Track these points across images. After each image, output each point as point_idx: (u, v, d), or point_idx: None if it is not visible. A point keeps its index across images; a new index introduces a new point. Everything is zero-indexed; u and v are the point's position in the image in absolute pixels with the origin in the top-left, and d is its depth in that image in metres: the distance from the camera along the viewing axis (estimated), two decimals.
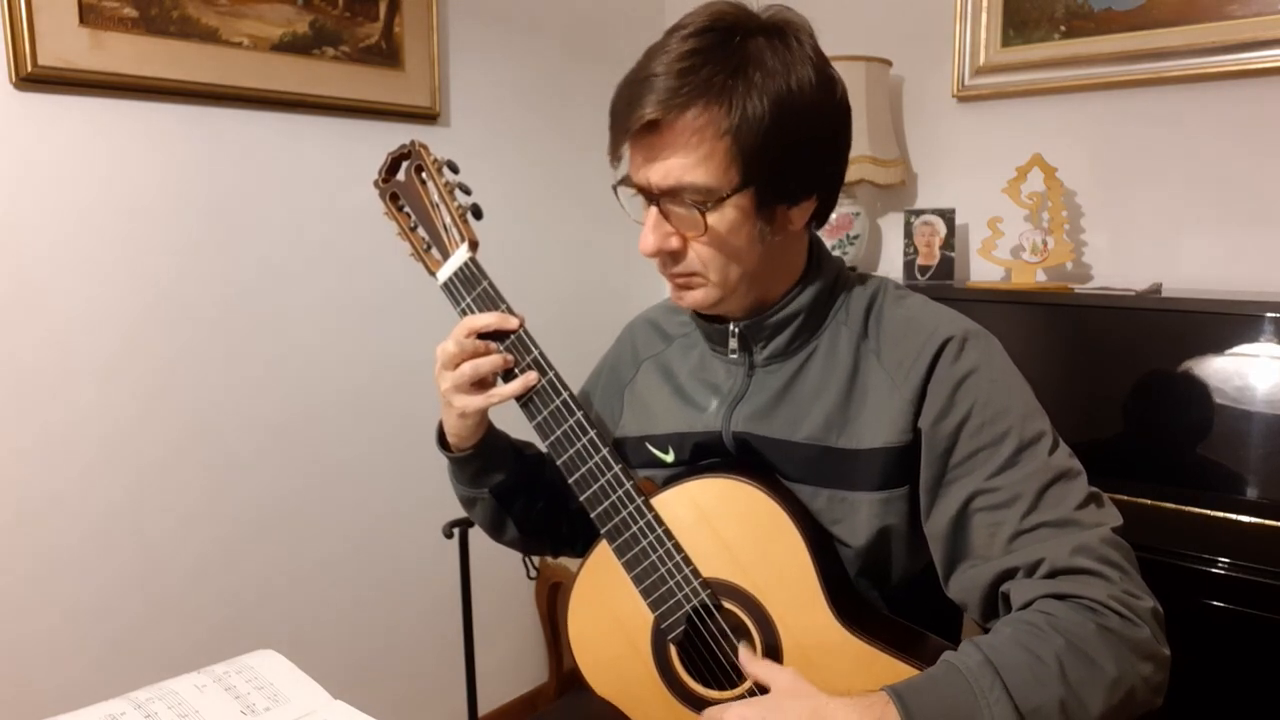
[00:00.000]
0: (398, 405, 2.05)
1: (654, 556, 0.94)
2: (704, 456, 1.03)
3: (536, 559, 2.00)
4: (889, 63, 2.14)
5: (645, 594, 0.96)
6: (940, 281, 2.03)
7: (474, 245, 0.97)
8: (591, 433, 0.94)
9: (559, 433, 0.96)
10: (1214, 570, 1.43)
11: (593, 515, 0.96)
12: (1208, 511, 1.52)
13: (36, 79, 1.47)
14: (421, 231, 1.00)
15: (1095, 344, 1.72)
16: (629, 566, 0.96)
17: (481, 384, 0.98)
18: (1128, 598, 0.81)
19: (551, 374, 0.96)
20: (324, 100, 1.84)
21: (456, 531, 1.75)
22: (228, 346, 1.76)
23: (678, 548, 0.94)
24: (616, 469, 0.94)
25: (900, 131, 2.24)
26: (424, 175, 0.99)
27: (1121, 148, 1.95)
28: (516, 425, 1.05)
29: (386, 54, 1.93)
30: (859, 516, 0.94)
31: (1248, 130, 1.81)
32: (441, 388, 0.99)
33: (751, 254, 0.92)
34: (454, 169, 0.99)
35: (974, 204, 2.11)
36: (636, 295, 2.47)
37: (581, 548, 1.02)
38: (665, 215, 0.91)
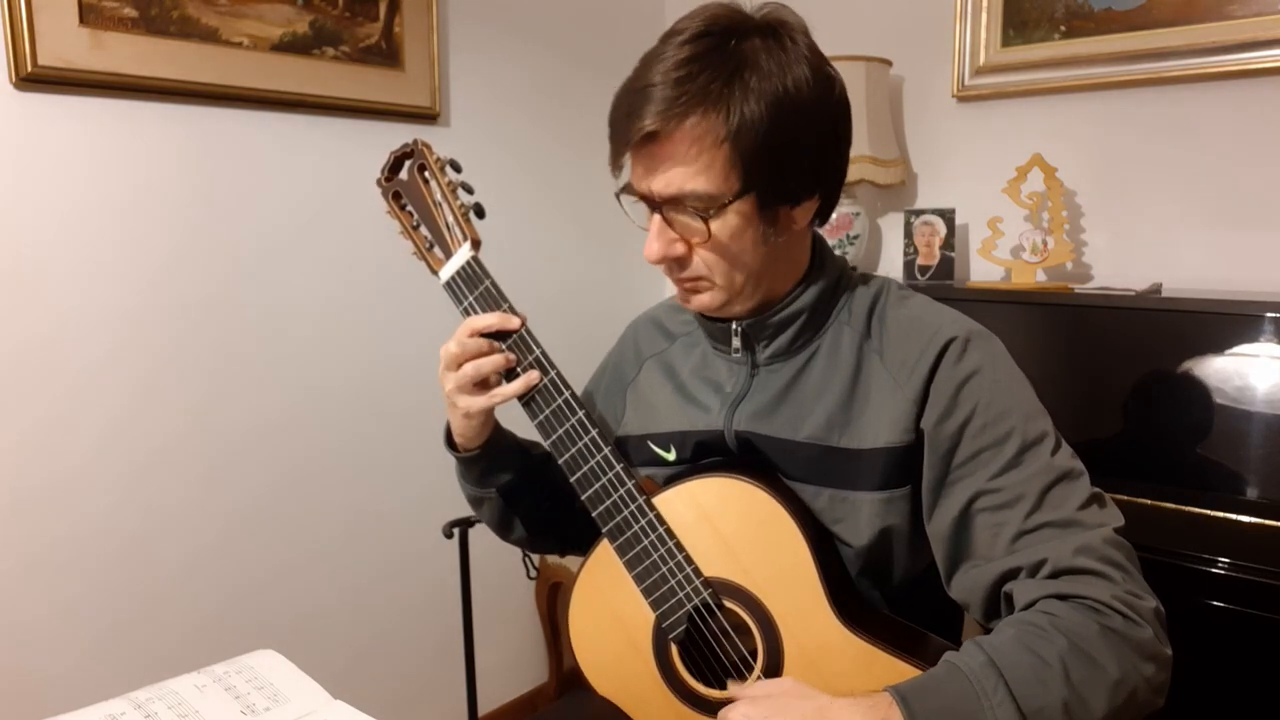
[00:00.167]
0: (398, 405, 2.05)
1: (655, 556, 0.94)
2: (706, 455, 1.03)
3: (536, 559, 2.00)
4: (889, 63, 2.14)
5: (646, 593, 0.96)
6: (940, 281, 2.03)
7: (476, 244, 0.97)
8: (593, 432, 0.94)
9: (561, 432, 0.95)
10: (1214, 570, 1.43)
11: (594, 514, 0.96)
12: (1208, 511, 1.52)
13: (36, 79, 1.47)
14: (424, 230, 1.00)
15: (1095, 344, 1.72)
16: (630, 566, 0.96)
17: (484, 384, 0.98)
18: (1130, 598, 0.81)
19: (553, 373, 0.96)
20: (324, 100, 1.84)
21: (456, 531, 1.75)
22: (227, 345, 1.76)
23: (679, 547, 0.94)
24: (618, 468, 0.94)
25: (900, 131, 2.25)
26: (427, 174, 0.99)
27: (1121, 148, 1.95)
28: (523, 425, 1.05)
29: (386, 54, 1.93)
30: (860, 516, 0.94)
31: (1248, 130, 1.81)
32: (445, 388, 0.99)
33: (756, 256, 0.93)
34: (456, 168, 0.99)
35: (974, 204, 2.11)
36: (637, 294, 2.47)
37: (587, 547, 1.02)
38: (669, 222, 0.91)
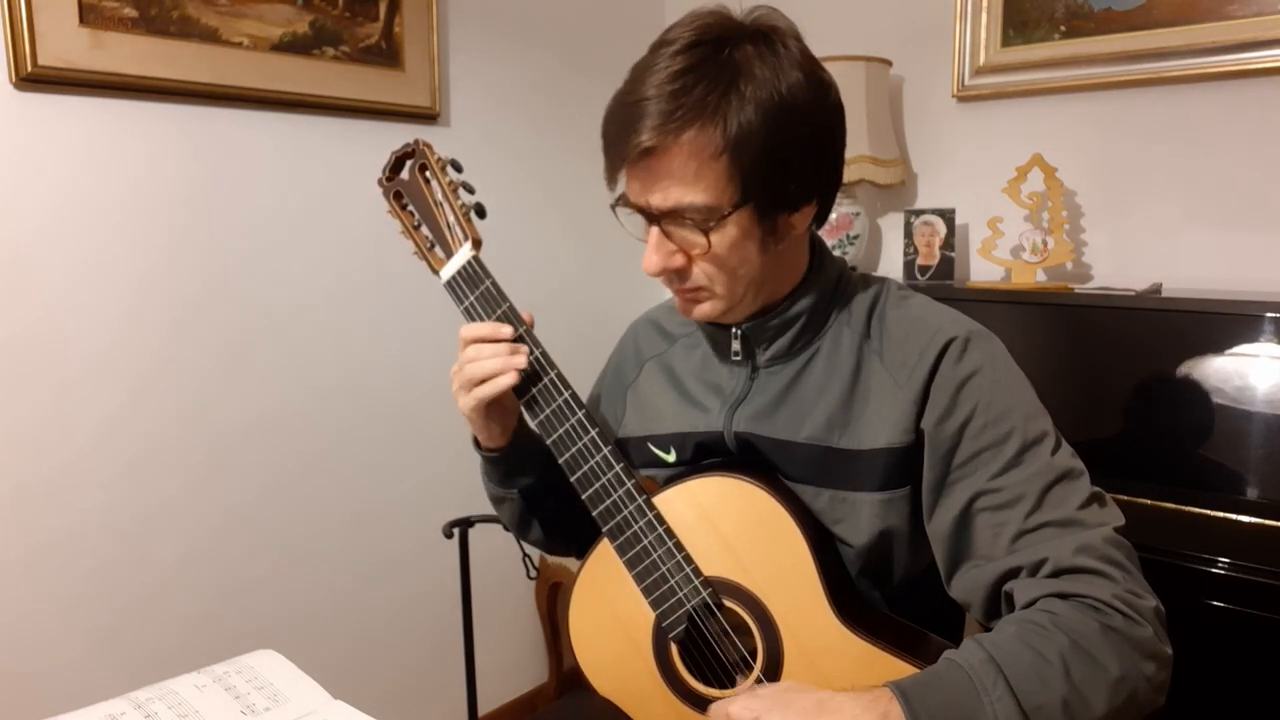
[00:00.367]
0: (398, 403, 2.05)
1: (655, 555, 0.94)
2: (706, 457, 1.04)
3: (536, 558, 2.00)
4: (889, 63, 2.14)
5: (646, 593, 0.96)
6: (940, 281, 2.03)
7: (477, 244, 0.97)
8: (593, 431, 0.94)
9: (561, 431, 0.96)
10: (1214, 570, 1.43)
11: (594, 513, 0.96)
12: (1208, 511, 1.52)
13: (36, 79, 1.47)
14: (425, 230, 1.00)
15: (1095, 344, 1.72)
16: (630, 565, 0.96)
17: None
18: (1131, 597, 0.81)
19: (554, 373, 0.96)
20: (324, 100, 1.84)
21: (456, 531, 1.75)
22: (227, 344, 1.76)
23: (679, 546, 0.94)
24: (618, 468, 0.94)
25: (900, 131, 2.25)
26: (428, 174, 0.99)
27: (1121, 148, 1.95)
28: None
29: (386, 54, 1.93)
30: (861, 517, 0.94)
31: (1248, 130, 1.81)
32: (453, 389, 0.99)
33: (756, 265, 0.92)
34: (458, 168, 0.99)
35: (974, 204, 2.11)
36: (637, 294, 2.47)
37: None
38: (667, 235, 0.91)
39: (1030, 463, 0.87)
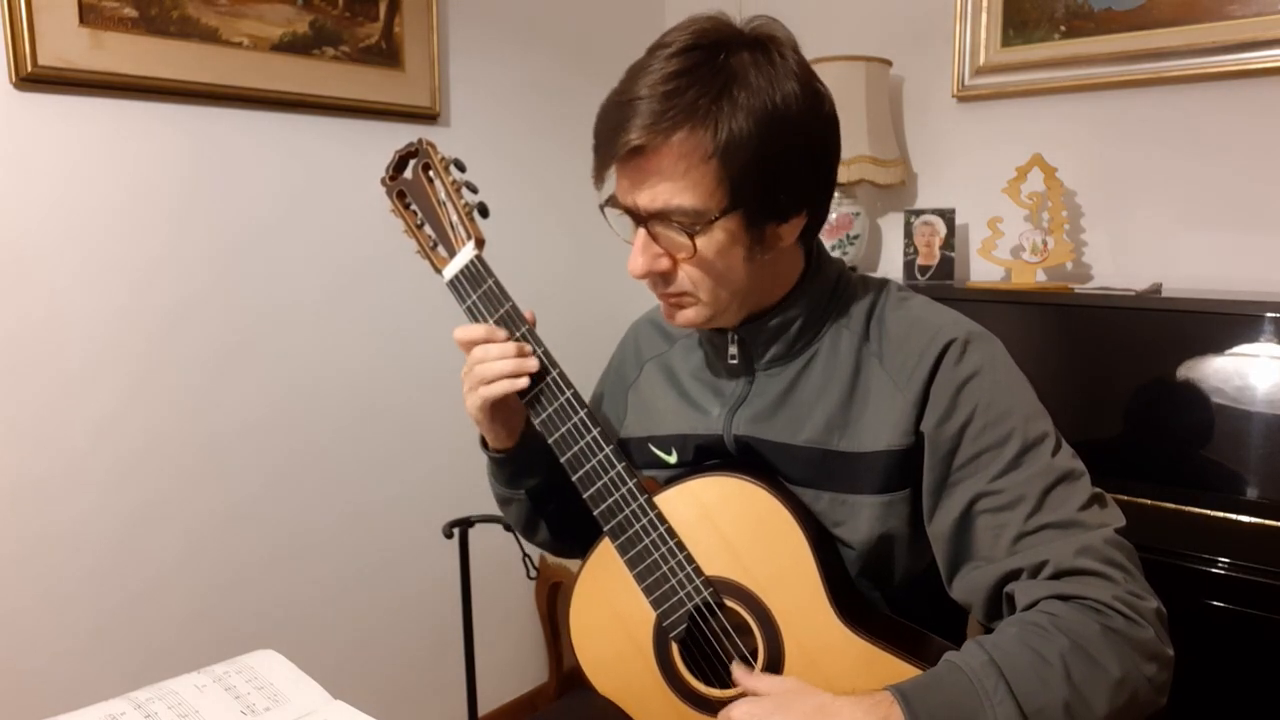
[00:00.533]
0: (398, 404, 2.05)
1: (656, 555, 0.94)
2: (706, 458, 1.04)
3: (536, 558, 2.00)
4: (889, 63, 2.14)
5: (647, 592, 0.96)
6: (940, 281, 2.03)
7: (480, 243, 0.97)
8: (594, 431, 0.94)
9: (562, 430, 0.96)
10: (1214, 570, 1.43)
11: (595, 513, 0.96)
12: (1208, 511, 1.52)
13: (36, 79, 1.47)
14: (428, 229, 1.00)
15: (1095, 344, 1.72)
16: (631, 564, 0.96)
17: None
18: (1132, 598, 0.81)
19: (555, 372, 0.96)
20: (324, 100, 1.84)
21: (456, 531, 1.75)
22: (226, 344, 1.76)
23: (680, 546, 0.94)
24: (619, 467, 0.94)
25: (900, 131, 2.25)
26: (431, 173, 0.99)
27: (1121, 148, 1.95)
28: None
29: (386, 54, 1.93)
30: (861, 519, 0.94)
31: (1248, 130, 1.81)
32: (464, 390, 0.99)
33: (742, 273, 0.92)
34: (461, 167, 0.99)
35: (974, 204, 2.12)
36: (638, 294, 2.46)
37: None
38: (654, 237, 0.90)
39: (1031, 464, 0.87)
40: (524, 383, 0.94)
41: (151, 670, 0.86)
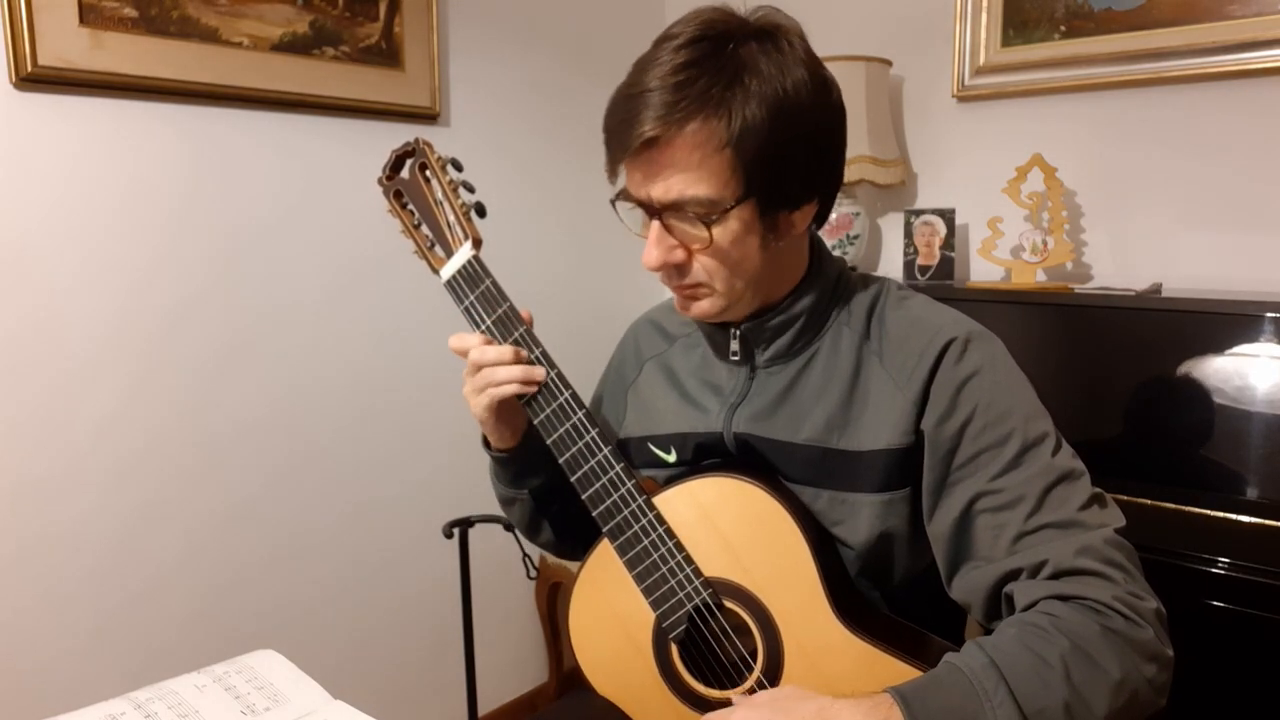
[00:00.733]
0: (398, 404, 2.05)
1: (655, 555, 0.94)
2: (706, 457, 1.03)
3: (536, 558, 2.00)
4: (889, 63, 2.14)
5: (647, 593, 0.96)
6: (940, 281, 2.03)
7: (478, 243, 0.97)
8: (593, 431, 0.94)
9: (561, 431, 0.95)
10: (1214, 570, 1.43)
11: (594, 514, 0.96)
12: (1208, 511, 1.52)
13: (36, 79, 1.47)
14: (425, 229, 1.00)
15: (1095, 344, 1.72)
16: (630, 565, 0.96)
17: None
18: (1131, 599, 0.81)
19: (554, 373, 0.96)
20: (324, 100, 1.84)
21: (456, 531, 1.75)
22: (226, 344, 1.76)
23: (679, 547, 0.94)
24: (618, 468, 0.94)
25: (900, 131, 2.25)
26: (428, 173, 0.99)
27: (1121, 148, 1.95)
28: None
29: (386, 54, 1.93)
30: (860, 518, 0.94)
31: (1248, 130, 1.81)
32: (464, 391, 0.99)
33: (756, 261, 0.92)
34: (458, 167, 0.99)
35: (974, 204, 2.11)
36: (638, 294, 2.47)
37: None
38: (668, 229, 0.90)
39: (1030, 464, 0.87)
40: (534, 387, 0.95)
41: (152, 670, 0.86)
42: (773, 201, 0.89)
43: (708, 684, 0.97)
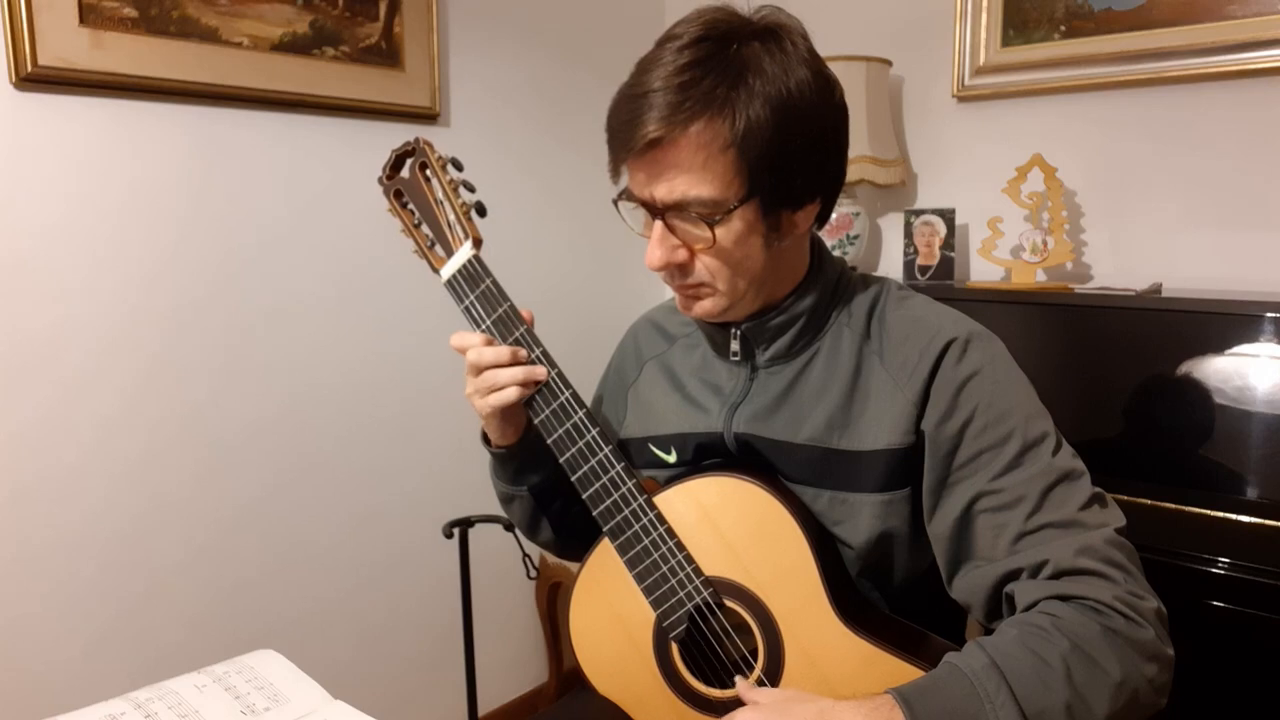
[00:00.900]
0: (399, 404, 2.05)
1: (655, 555, 0.94)
2: (706, 457, 1.03)
3: (536, 558, 2.00)
4: (889, 63, 2.14)
5: (647, 592, 0.96)
6: (940, 281, 2.03)
7: (478, 243, 0.97)
8: (593, 431, 0.94)
9: (561, 430, 0.95)
10: (1214, 570, 1.43)
11: (595, 513, 0.96)
12: (1208, 511, 1.52)
13: (36, 79, 1.47)
14: (425, 229, 1.00)
15: (1095, 344, 1.72)
16: (631, 565, 0.96)
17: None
18: (1132, 599, 0.81)
19: (554, 372, 0.96)
20: (324, 100, 1.84)
21: (456, 531, 1.75)
22: (227, 343, 1.76)
23: (680, 546, 0.94)
24: (618, 467, 0.94)
25: (900, 131, 2.25)
26: (428, 172, 0.99)
27: (1121, 148, 1.95)
28: None
29: (386, 54, 1.93)
30: (861, 518, 0.94)
31: (1248, 130, 1.81)
32: (466, 391, 0.99)
33: (759, 261, 0.92)
34: (458, 166, 0.99)
35: (974, 204, 2.11)
36: (638, 294, 2.47)
37: None
38: (671, 229, 0.90)
39: (1031, 464, 0.87)
40: (535, 387, 0.95)
41: (155, 672, 0.86)
42: (776, 201, 0.89)
43: (708, 683, 0.97)
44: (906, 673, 0.85)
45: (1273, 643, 1.39)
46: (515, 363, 0.95)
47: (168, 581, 1.71)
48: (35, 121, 1.50)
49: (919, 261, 2.06)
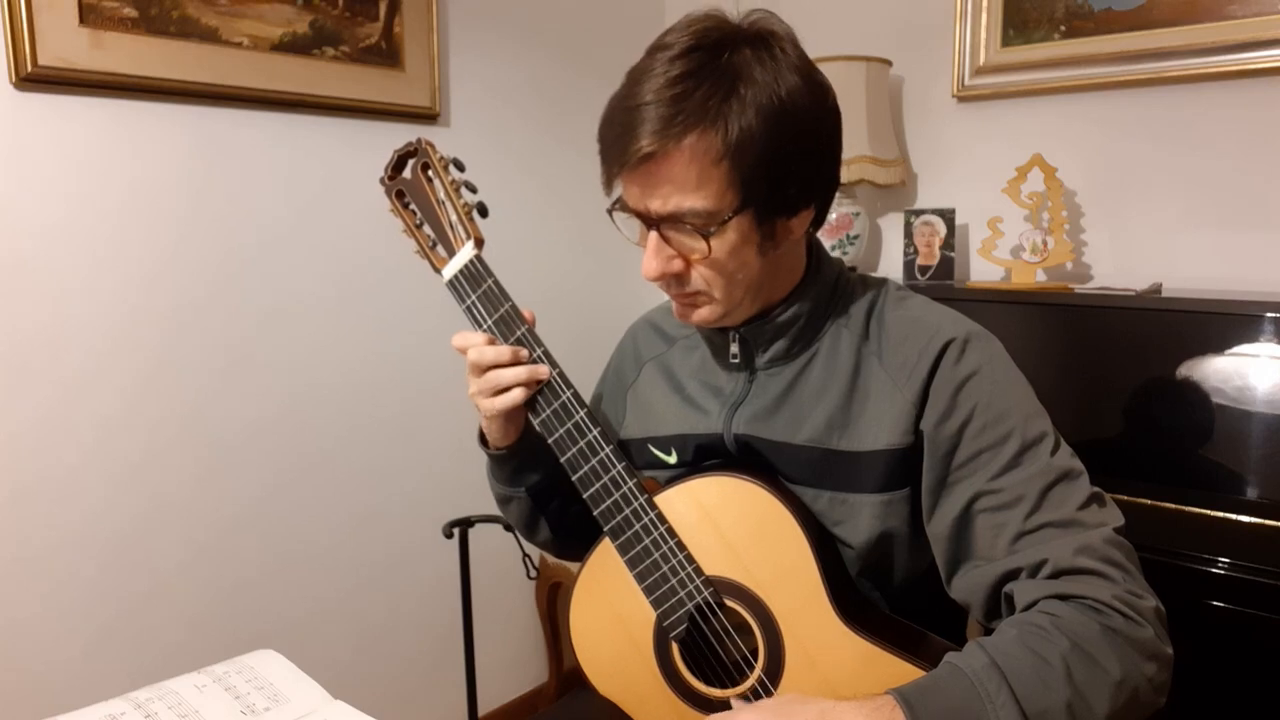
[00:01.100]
0: (399, 404, 2.05)
1: (656, 555, 0.94)
2: (706, 459, 1.04)
3: (536, 558, 2.00)
4: (889, 63, 2.14)
5: (647, 592, 0.96)
6: (940, 281, 2.03)
7: (479, 243, 0.97)
8: (594, 431, 0.94)
9: (562, 431, 0.96)
10: (1214, 570, 1.43)
11: (595, 513, 0.96)
12: (1208, 511, 1.52)
13: (36, 79, 1.47)
14: (427, 229, 1.00)
15: (1095, 344, 1.72)
16: (631, 565, 0.96)
17: (505, 389, 0.98)
18: (1131, 598, 0.81)
19: (555, 372, 0.96)
20: (324, 100, 1.84)
21: (456, 531, 1.75)
22: (227, 343, 1.76)
23: (680, 546, 0.94)
24: (619, 467, 0.94)
25: (900, 131, 2.25)
26: (430, 173, 0.99)
27: (1121, 148, 1.95)
28: None
29: (386, 54, 1.93)
30: (860, 518, 0.94)
31: (1248, 130, 1.81)
32: (469, 392, 0.99)
33: (754, 269, 0.92)
34: (460, 167, 0.99)
35: (974, 204, 2.12)
36: (638, 294, 2.47)
37: None
38: (666, 240, 0.90)
39: (1030, 463, 0.87)
40: (538, 385, 0.95)
41: (156, 672, 0.86)
42: (770, 210, 0.89)
43: (709, 683, 0.97)
44: (907, 672, 0.85)
45: (1273, 643, 1.39)
46: (516, 362, 0.95)
47: (168, 581, 1.71)
48: (35, 121, 1.50)
49: (919, 261, 2.06)
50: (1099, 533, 0.84)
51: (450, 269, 0.98)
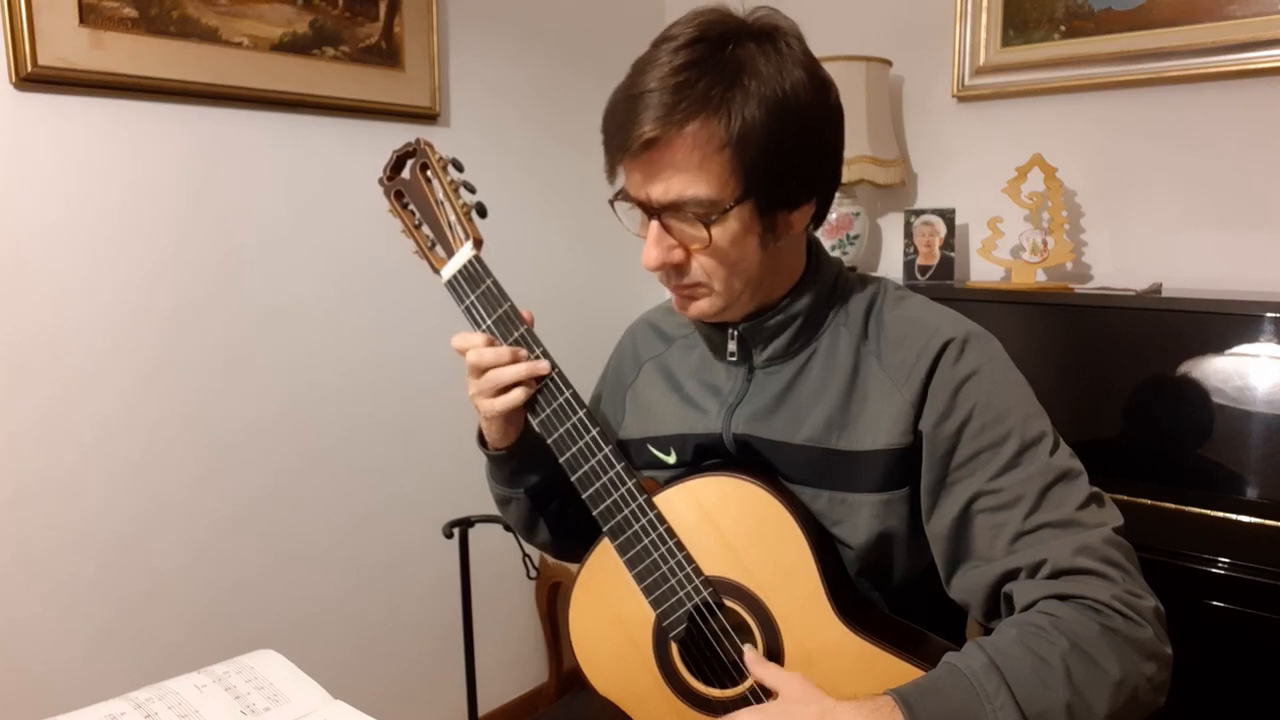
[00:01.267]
0: (399, 404, 2.05)
1: (655, 555, 0.94)
2: (705, 458, 1.04)
3: (536, 558, 2.00)
4: (889, 63, 2.14)
5: (647, 592, 0.96)
6: (940, 281, 2.03)
7: (478, 243, 0.97)
8: (593, 431, 0.94)
9: (561, 430, 0.96)
10: (1214, 570, 1.43)
11: (594, 513, 0.96)
12: (1208, 511, 1.52)
13: (36, 79, 1.47)
14: (426, 229, 1.00)
15: (1095, 344, 1.72)
16: (630, 565, 0.96)
17: (505, 389, 0.98)
18: (1130, 598, 0.81)
19: (555, 372, 0.96)
20: (324, 100, 1.84)
21: (456, 531, 1.75)
22: (227, 344, 1.76)
23: (679, 546, 0.94)
24: (618, 467, 0.94)
25: (900, 131, 2.25)
26: (429, 173, 0.99)
27: (1121, 148, 1.95)
28: None
29: (386, 54, 1.93)
30: (859, 518, 0.94)
31: (1248, 130, 1.81)
32: (469, 392, 0.99)
33: (754, 262, 0.92)
34: (459, 167, 0.99)
35: (974, 204, 2.11)
36: (638, 294, 2.47)
37: None
38: (667, 229, 0.91)
39: (1029, 463, 0.87)
40: (538, 383, 0.95)
41: (156, 672, 0.86)
42: (771, 202, 0.89)
43: (708, 683, 0.97)
44: (906, 672, 0.85)
45: (1273, 643, 1.39)
46: (515, 363, 0.95)
47: (168, 581, 1.71)
48: (35, 121, 1.50)
49: (919, 261, 2.06)
50: (1098, 533, 0.84)
51: (449, 269, 0.98)
